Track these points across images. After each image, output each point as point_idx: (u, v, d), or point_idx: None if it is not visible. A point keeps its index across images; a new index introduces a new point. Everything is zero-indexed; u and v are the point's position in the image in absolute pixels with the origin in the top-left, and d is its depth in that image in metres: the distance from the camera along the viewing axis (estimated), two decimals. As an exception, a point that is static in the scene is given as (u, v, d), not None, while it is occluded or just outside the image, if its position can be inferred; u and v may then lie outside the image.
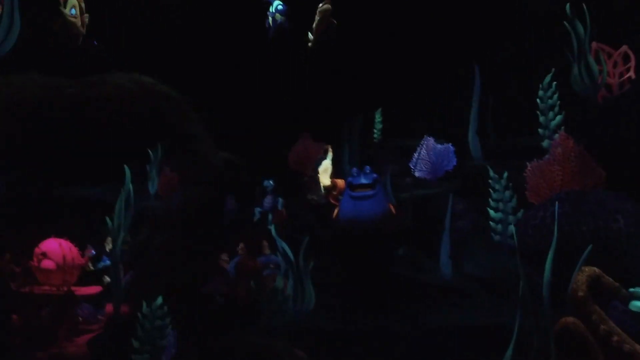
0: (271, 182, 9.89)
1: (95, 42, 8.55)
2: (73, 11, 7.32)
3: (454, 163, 9.32)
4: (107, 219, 7.05)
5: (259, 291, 7.75)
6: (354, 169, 8.46)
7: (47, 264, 8.31)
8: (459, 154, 9.36)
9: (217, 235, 8.24)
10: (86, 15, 7.51)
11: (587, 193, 7.07)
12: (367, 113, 11.22)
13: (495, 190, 7.69)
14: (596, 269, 5.17)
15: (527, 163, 7.70)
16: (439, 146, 9.36)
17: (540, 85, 7.81)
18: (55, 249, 8.39)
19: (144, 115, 7.77)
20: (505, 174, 7.72)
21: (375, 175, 8.31)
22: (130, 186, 7.08)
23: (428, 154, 9.31)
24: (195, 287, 7.69)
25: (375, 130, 11.31)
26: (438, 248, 8.67)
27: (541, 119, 7.84)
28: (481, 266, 8.58)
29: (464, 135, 9.53)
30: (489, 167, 7.87)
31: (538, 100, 7.81)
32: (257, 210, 9.82)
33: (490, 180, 7.86)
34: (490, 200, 7.68)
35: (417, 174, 9.41)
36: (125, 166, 7.06)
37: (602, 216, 6.71)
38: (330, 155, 9.70)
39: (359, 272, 8.37)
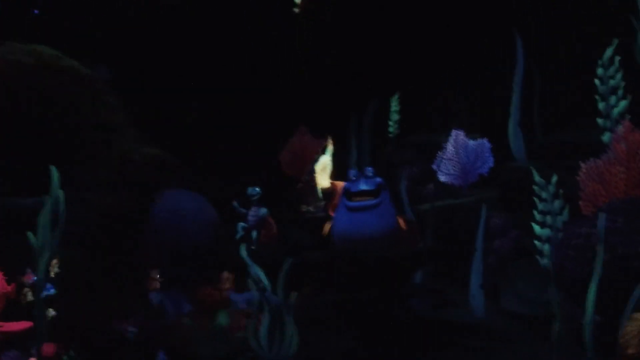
0: (257, 189, 8.02)
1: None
2: None
3: (490, 164, 7.69)
4: (30, 235, 5.58)
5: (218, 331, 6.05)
6: (352, 171, 6.66)
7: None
8: (497, 153, 7.73)
9: (141, 253, 6.45)
10: None
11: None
12: (380, 100, 9.55)
13: (541, 200, 6.03)
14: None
15: (582, 164, 6.08)
16: (471, 142, 7.78)
17: (599, 62, 6.19)
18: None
19: (42, 97, 6.07)
20: (554, 179, 6.01)
21: (379, 179, 6.48)
22: (60, 192, 5.59)
23: (457, 153, 7.73)
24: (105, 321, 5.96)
25: (390, 123, 9.65)
26: (467, 276, 6.93)
27: (601, 105, 6.25)
28: (523, 300, 6.90)
29: (503, 128, 7.84)
30: (533, 170, 6.12)
31: (597, 81, 6.19)
32: (240, 225, 8.00)
33: (535, 187, 6.11)
34: (535, 212, 5.97)
35: (442, 178, 7.82)
36: (53, 167, 5.54)
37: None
38: (330, 150, 7.84)
39: (358, 307, 6.46)
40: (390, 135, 9.67)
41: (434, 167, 7.81)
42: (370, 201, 6.22)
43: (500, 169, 7.73)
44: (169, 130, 8.78)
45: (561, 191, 6.14)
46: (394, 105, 9.66)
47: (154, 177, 6.31)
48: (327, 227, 6.66)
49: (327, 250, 6.62)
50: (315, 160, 7.82)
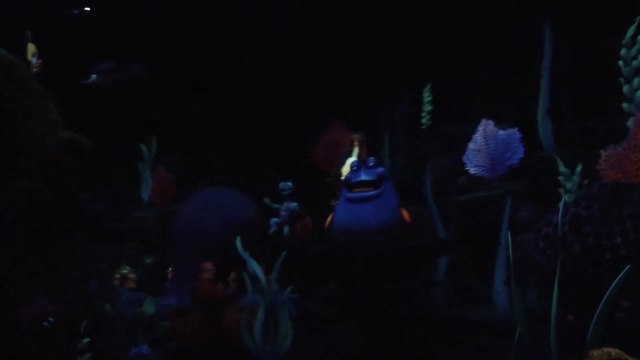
0: (289, 184, 7.77)
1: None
2: (34, 60, 7.22)
3: (521, 155, 7.21)
4: None
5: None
6: (354, 162, 6.42)
7: None
8: (527, 143, 7.24)
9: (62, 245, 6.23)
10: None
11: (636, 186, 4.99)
12: (413, 90, 9.20)
13: (566, 191, 5.59)
14: (616, 351, 3.73)
15: (602, 152, 5.57)
16: (500, 132, 7.26)
17: (623, 42, 5.72)
18: None
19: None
20: (579, 168, 5.61)
21: (380, 169, 6.18)
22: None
23: (487, 143, 7.18)
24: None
25: (423, 114, 9.24)
26: (492, 270, 6.55)
27: (625, 88, 5.76)
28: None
29: (532, 116, 7.40)
30: (558, 159, 5.76)
31: (620, 62, 5.72)
32: (273, 221, 7.74)
33: (560, 177, 5.75)
34: (560, 204, 5.36)
35: (472, 170, 7.32)
36: None
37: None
38: (356, 151, 7.58)
39: (359, 302, 6.17)
40: (423, 126, 9.26)
41: (464, 159, 7.38)
42: (369, 192, 5.93)
43: (528, 160, 7.23)
44: (204, 127, 8.79)
45: (586, 181, 5.80)
46: (426, 95, 9.26)
47: (65, 160, 6.05)
48: (328, 219, 6.41)
49: (328, 243, 6.38)
50: (344, 154, 7.64)
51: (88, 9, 9.11)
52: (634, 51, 5.71)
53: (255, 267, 5.71)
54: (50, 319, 5.13)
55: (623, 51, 5.75)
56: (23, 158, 5.53)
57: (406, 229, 6.02)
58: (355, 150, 7.31)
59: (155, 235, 8.07)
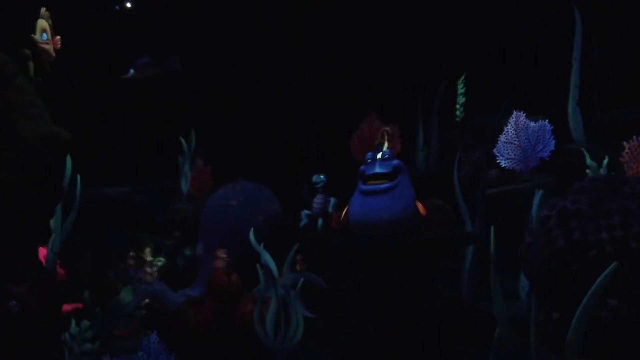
0: (322, 177, 7.66)
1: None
2: (44, 36, 6.61)
3: (552, 147, 6.97)
4: None
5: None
6: (369, 154, 6.22)
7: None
8: (558, 135, 7.00)
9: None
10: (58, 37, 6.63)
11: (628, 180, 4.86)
12: (448, 82, 9.04)
13: None
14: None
15: (625, 144, 5.44)
16: (532, 124, 7.04)
17: None
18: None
19: None
20: (606, 160, 5.50)
21: (396, 162, 6.03)
22: None
23: (517, 136, 7.02)
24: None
25: (457, 106, 9.10)
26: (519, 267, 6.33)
27: None
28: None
29: (563, 108, 7.23)
30: (585, 152, 5.67)
31: None
32: (304, 213, 7.68)
33: (587, 170, 5.68)
34: (586, 198, 5.36)
35: (503, 163, 7.14)
36: None
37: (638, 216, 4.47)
38: (386, 142, 7.42)
39: (375, 295, 6.04)
40: (457, 119, 9.13)
41: (496, 151, 7.24)
42: (383, 185, 5.80)
43: (558, 152, 7.01)
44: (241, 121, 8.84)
45: (614, 174, 5.68)
46: (460, 87, 9.10)
47: (45, 153, 6.08)
48: (344, 211, 6.27)
49: (344, 235, 6.22)
50: (376, 146, 7.57)
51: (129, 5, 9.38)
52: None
53: (268, 259, 5.75)
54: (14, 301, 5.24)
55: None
56: (4, 151, 5.67)
57: (424, 222, 5.87)
58: (385, 143, 7.27)
59: (193, 227, 8.17)
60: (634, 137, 5.53)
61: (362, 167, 6.06)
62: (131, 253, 7.55)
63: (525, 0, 8.06)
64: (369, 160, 6.02)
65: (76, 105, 8.38)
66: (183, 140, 9.21)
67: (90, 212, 7.66)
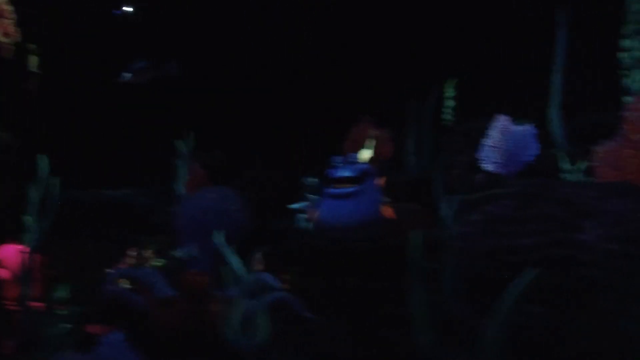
0: (315, 180, 7.87)
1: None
2: None
3: (536, 151, 6.94)
4: None
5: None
6: (336, 157, 6.36)
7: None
8: (542, 139, 6.98)
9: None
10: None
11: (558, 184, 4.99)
12: (438, 84, 8.98)
13: None
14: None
15: (596, 148, 5.50)
16: (516, 128, 7.04)
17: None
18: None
19: None
20: (583, 165, 5.51)
21: (364, 166, 6.21)
22: None
23: (503, 139, 6.99)
24: None
25: (445, 110, 9.06)
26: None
27: (627, 80, 5.88)
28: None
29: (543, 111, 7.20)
30: (560, 156, 5.71)
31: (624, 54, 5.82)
32: (301, 216, 7.69)
33: (565, 175, 5.70)
34: (562, 202, 5.33)
35: (488, 167, 7.11)
36: None
37: (563, 222, 4.39)
38: (372, 146, 7.37)
39: (340, 300, 6.05)
40: (446, 122, 9.09)
41: (481, 155, 7.31)
42: (347, 189, 5.93)
43: (541, 157, 6.92)
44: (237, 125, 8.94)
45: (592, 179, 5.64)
46: (449, 90, 9.09)
47: None
48: (314, 214, 6.35)
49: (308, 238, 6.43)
50: (365, 147, 7.60)
51: (130, 9, 9.54)
52: (636, 41, 5.65)
53: (234, 261, 5.85)
54: None
55: (626, 42, 5.75)
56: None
57: (393, 227, 5.98)
58: (371, 147, 7.32)
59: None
60: (605, 140, 5.51)
61: (328, 171, 6.16)
62: (133, 252, 7.75)
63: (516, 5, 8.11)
64: (336, 164, 6.12)
65: (74, 109, 8.59)
66: (181, 143, 9.29)
67: (90, 212, 7.91)
